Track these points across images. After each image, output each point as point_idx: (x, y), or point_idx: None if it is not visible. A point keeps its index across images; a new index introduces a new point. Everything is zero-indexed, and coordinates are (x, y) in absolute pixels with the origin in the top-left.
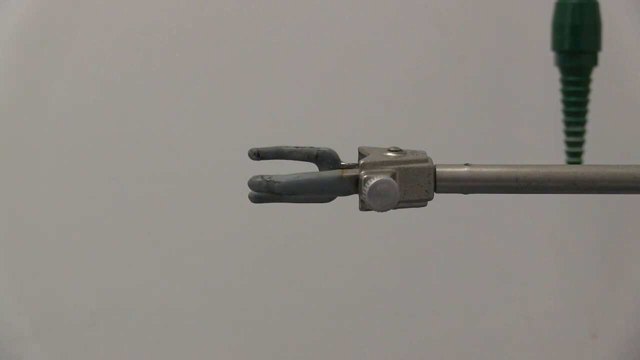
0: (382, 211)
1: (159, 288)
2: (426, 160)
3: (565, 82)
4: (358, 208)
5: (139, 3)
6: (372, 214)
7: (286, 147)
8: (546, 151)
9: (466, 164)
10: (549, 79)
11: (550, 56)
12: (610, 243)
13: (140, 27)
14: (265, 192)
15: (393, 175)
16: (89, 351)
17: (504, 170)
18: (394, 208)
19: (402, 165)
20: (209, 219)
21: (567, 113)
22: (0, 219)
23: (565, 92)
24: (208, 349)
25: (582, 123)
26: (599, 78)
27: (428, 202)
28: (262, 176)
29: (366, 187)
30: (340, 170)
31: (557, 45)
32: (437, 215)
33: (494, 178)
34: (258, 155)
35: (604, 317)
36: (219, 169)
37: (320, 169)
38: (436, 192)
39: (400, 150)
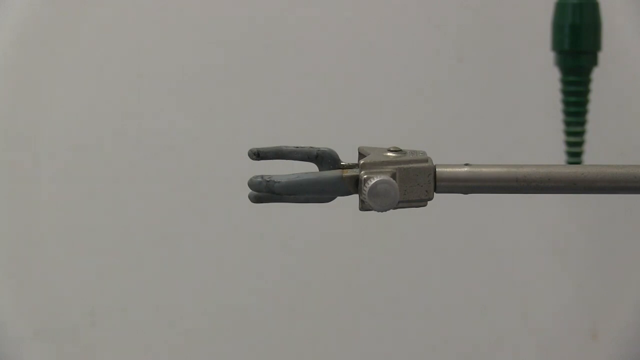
0: (382, 211)
1: (159, 288)
2: (426, 160)
3: (565, 82)
4: (358, 208)
5: (139, 3)
6: (372, 214)
7: (286, 147)
8: (546, 151)
9: (466, 164)
10: (549, 79)
11: (550, 56)
12: (610, 243)
13: (140, 26)
14: (265, 192)
15: (393, 175)
16: (89, 351)
17: (504, 170)
18: (394, 208)
19: (402, 165)
20: (209, 219)
21: (567, 113)
22: (0, 219)
23: (565, 92)
24: (208, 349)
25: (582, 123)
26: (599, 78)
27: (428, 202)
28: (262, 176)
29: (366, 187)
30: (340, 170)
31: (557, 45)
32: (437, 215)
33: (494, 178)
34: (258, 155)
35: (604, 317)
36: (219, 169)
37: (320, 169)
38: (436, 192)
39: (400, 150)
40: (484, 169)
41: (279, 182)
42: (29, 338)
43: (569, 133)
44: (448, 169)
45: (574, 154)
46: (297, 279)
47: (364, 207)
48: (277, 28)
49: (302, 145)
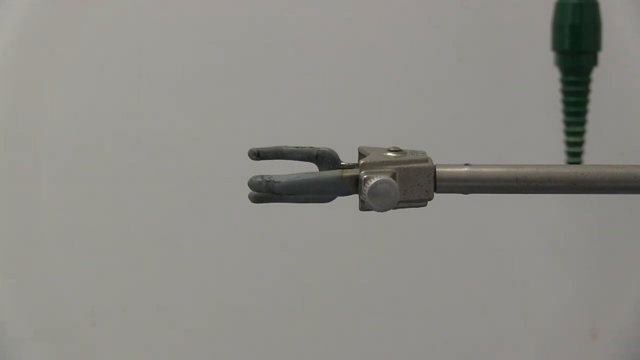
0: (382, 211)
1: (159, 288)
2: (426, 160)
3: (565, 82)
4: (358, 208)
5: (139, 3)
6: (372, 214)
7: (286, 147)
8: (546, 151)
9: (466, 164)
10: (549, 79)
11: (550, 56)
12: (610, 243)
13: (140, 26)
14: (265, 192)
15: (393, 175)
16: (89, 351)
17: (504, 170)
18: (394, 208)
19: (402, 165)
20: (209, 219)
21: (567, 113)
22: (0, 219)
23: (565, 92)
24: (208, 349)
25: (582, 123)
26: (599, 78)
27: (428, 202)
28: (262, 176)
29: (366, 187)
30: (340, 170)
31: (557, 45)
32: (437, 215)
33: (494, 178)
34: (258, 155)
35: (604, 317)
36: (219, 169)
37: (320, 169)
38: (436, 192)
39: (400, 150)
40: (484, 169)
41: (279, 182)
42: (29, 338)
43: (569, 133)
44: (448, 169)
45: (574, 154)
46: (297, 279)
47: (364, 207)
48: (277, 28)
49: (302, 145)
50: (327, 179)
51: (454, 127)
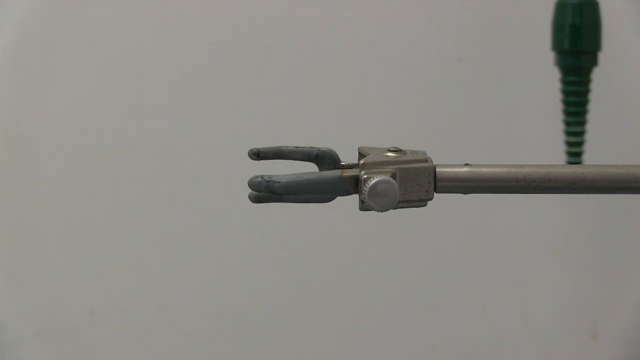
0: (382, 211)
1: (159, 288)
2: (426, 160)
3: (565, 82)
4: (358, 208)
5: (139, 3)
6: (372, 214)
7: (286, 147)
8: (546, 151)
9: (466, 164)
10: (549, 79)
11: (550, 56)
12: (610, 243)
13: (140, 26)
14: (265, 192)
15: (393, 175)
16: (89, 351)
17: (504, 170)
18: (394, 208)
19: (402, 165)
20: (209, 219)
21: (567, 113)
22: (0, 219)
23: (565, 92)
24: (208, 349)
25: (582, 123)
26: (599, 78)
27: (428, 202)
28: (262, 176)
29: (366, 187)
30: (340, 170)
31: (557, 45)
32: (437, 215)
33: (494, 178)
34: (258, 155)
35: (604, 317)
36: (219, 169)
37: (320, 169)
38: (436, 192)
39: (400, 150)
40: (484, 169)
41: (279, 182)
42: (29, 338)
43: (569, 133)
44: (448, 169)
45: (574, 154)
46: (297, 279)
47: (364, 207)
48: (277, 28)
49: (302, 145)
50: (327, 179)
51: (454, 127)
